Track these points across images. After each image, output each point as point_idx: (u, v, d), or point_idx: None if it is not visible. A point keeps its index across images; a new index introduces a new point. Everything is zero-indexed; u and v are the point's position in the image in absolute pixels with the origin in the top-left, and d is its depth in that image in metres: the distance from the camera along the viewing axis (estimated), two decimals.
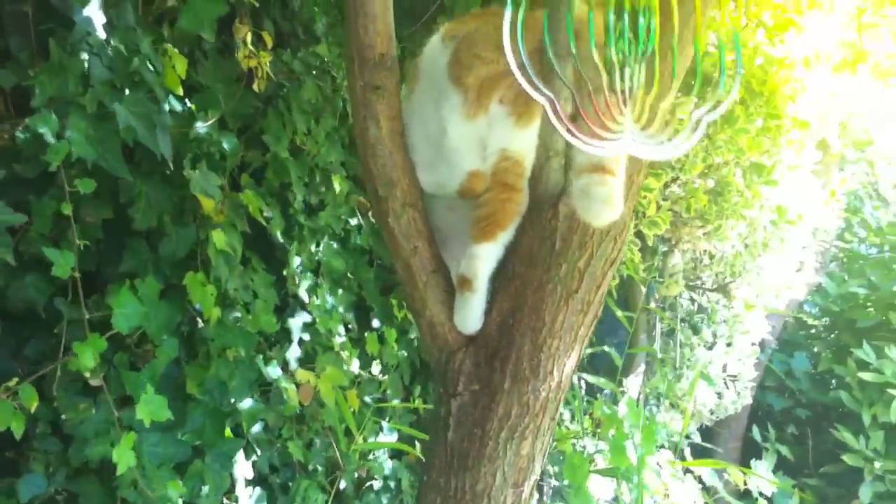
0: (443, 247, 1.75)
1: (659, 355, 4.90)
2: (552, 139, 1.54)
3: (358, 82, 1.60)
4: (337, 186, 2.53)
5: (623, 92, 1.06)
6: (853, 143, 3.98)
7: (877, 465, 5.45)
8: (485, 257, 1.63)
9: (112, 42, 1.86)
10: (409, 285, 1.71)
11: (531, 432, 1.68)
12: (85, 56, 1.85)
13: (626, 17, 1.04)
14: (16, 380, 1.72)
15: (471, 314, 1.67)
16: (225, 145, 2.09)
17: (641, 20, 1.03)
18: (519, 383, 1.64)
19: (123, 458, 1.79)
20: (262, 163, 2.37)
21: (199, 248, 2.13)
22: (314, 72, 2.41)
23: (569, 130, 1.04)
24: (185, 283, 2.04)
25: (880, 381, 5.46)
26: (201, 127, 2.05)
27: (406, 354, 3.02)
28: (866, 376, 5.51)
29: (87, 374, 1.80)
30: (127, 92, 1.88)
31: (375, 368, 2.84)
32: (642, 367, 5.04)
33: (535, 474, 1.75)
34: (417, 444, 2.84)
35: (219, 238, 2.07)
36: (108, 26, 1.88)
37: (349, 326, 2.76)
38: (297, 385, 2.33)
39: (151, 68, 1.90)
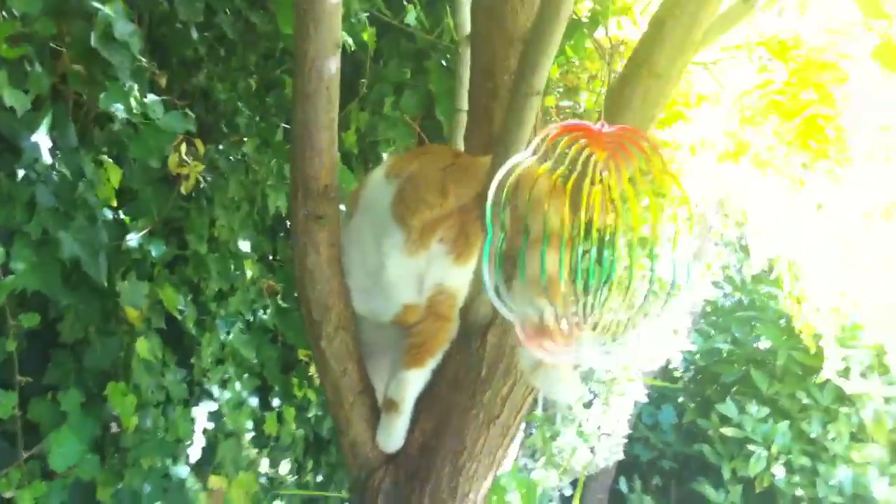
0: (367, 359, 1.79)
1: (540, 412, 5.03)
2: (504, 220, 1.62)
3: (301, 211, 1.64)
4: (248, 272, 2.55)
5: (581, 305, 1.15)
6: (734, 222, 4.24)
7: None
8: (413, 382, 1.69)
9: (57, 167, 1.85)
10: (335, 405, 1.75)
11: None
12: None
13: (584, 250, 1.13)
14: None
15: (394, 434, 1.71)
16: (154, 253, 2.09)
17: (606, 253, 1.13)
18: None
19: None
20: (179, 255, 2.37)
21: (122, 357, 2.11)
22: (237, 168, 2.43)
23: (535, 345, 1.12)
24: (106, 394, 2.02)
25: (740, 436, 5.78)
26: (133, 239, 2.05)
27: (302, 432, 3.04)
28: (728, 431, 5.82)
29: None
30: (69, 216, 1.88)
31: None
32: (522, 425, 5.15)
33: None
34: None
35: (142, 347, 2.06)
36: (53, 150, 1.86)
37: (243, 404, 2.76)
38: (209, 492, 2.32)
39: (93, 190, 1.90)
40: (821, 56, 2.40)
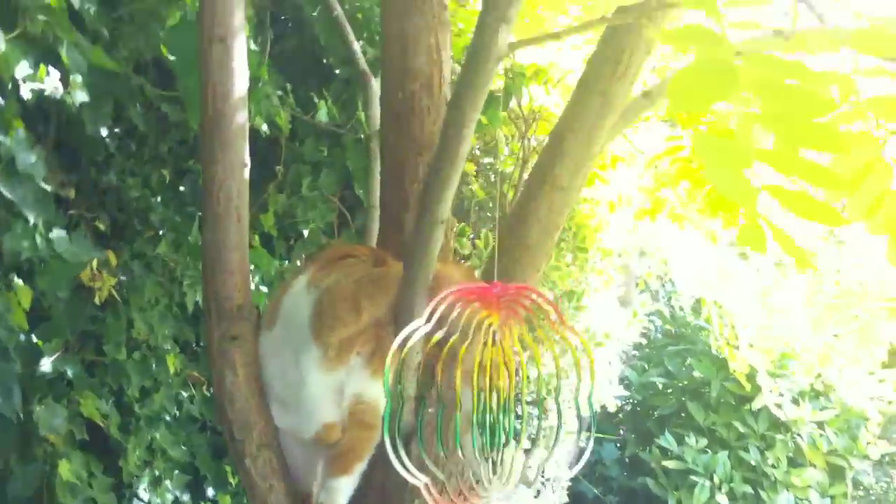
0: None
1: None
2: (405, 387, 1.63)
3: (215, 332, 1.64)
4: (171, 367, 2.51)
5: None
6: (658, 265, 4.34)
7: None
8: (344, 489, 1.67)
9: None
10: None
11: None
12: None
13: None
14: None
15: None
16: (70, 373, 2.06)
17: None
18: None
19: None
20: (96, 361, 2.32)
21: (45, 480, 2.07)
22: (153, 269, 2.40)
23: None
24: None
25: (682, 467, 5.86)
26: (47, 364, 2.01)
27: None
28: (670, 464, 5.91)
29: None
30: None
31: None
32: None
33: None
34: None
35: (65, 469, 2.02)
36: None
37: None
38: None
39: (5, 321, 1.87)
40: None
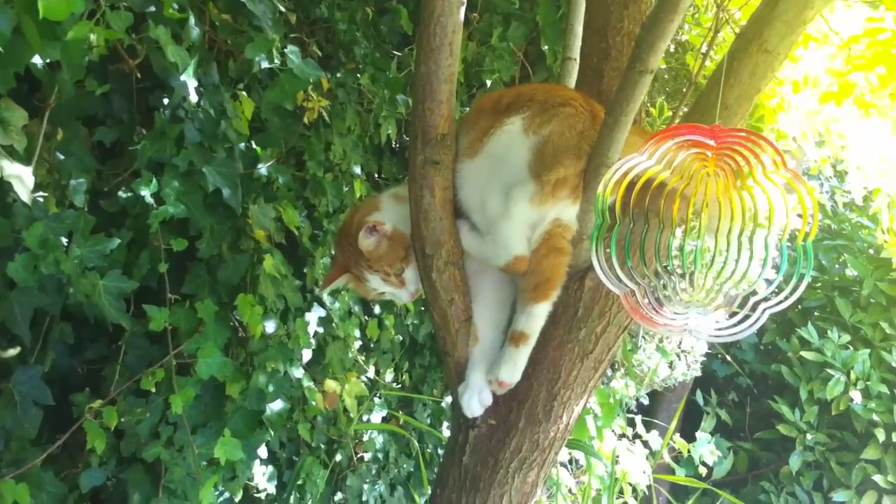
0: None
1: None
2: (585, 225, 1.76)
3: (419, 156, 1.79)
4: (357, 191, 2.72)
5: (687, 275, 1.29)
6: (833, 155, 4.21)
7: (808, 436, 5.91)
8: (542, 316, 1.82)
9: (202, 105, 2.03)
10: (443, 329, 1.92)
11: (538, 464, 1.93)
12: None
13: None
14: (99, 402, 1.94)
15: (520, 365, 1.84)
16: (280, 180, 2.28)
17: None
18: (532, 424, 1.88)
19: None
20: (297, 177, 2.56)
21: (249, 271, 2.33)
22: (353, 98, 2.58)
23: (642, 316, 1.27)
24: (236, 304, 2.26)
25: (820, 360, 5.85)
26: (263, 168, 2.23)
27: (400, 338, 3.26)
28: (808, 355, 5.90)
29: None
30: (212, 150, 2.07)
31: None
32: None
33: (537, 496, 2.01)
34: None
35: (268, 263, 2.27)
36: (198, 88, 2.04)
37: (353, 311, 2.98)
38: (324, 392, 2.57)
39: (232, 126, 2.09)
40: None
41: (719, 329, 1.29)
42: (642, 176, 1.26)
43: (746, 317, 1.27)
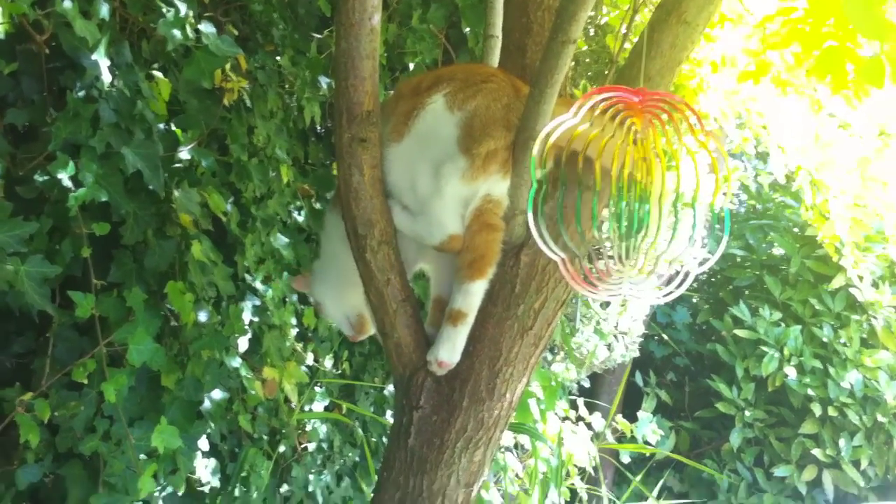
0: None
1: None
2: (519, 199, 1.76)
3: (345, 134, 1.77)
4: (284, 177, 2.71)
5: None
6: (753, 135, 4.31)
7: (746, 413, 6.06)
8: (479, 293, 1.83)
9: (116, 84, 1.98)
10: (380, 311, 1.91)
11: (484, 443, 1.93)
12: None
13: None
14: (30, 395, 1.89)
15: (458, 345, 1.85)
16: (204, 164, 2.25)
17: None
18: (476, 402, 1.88)
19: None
20: (221, 161, 2.53)
21: (177, 258, 2.30)
22: (273, 80, 2.56)
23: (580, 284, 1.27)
24: (166, 292, 2.22)
25: (753, 337, 6.00)
26: (184, 150, 2.20)
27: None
28: (741, 333, 6.04)
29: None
30: (129, 131, 2.02)
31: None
32: None
33: (484, 475, 2.01)
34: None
35: (196, 249, 2.24)
36: (111, 67, 1.99)
37: (287, 300, 2.96)
38: (263, 381, 2.54)
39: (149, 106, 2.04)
40: None
41: (659, 291, 1.31)
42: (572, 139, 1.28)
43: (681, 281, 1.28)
